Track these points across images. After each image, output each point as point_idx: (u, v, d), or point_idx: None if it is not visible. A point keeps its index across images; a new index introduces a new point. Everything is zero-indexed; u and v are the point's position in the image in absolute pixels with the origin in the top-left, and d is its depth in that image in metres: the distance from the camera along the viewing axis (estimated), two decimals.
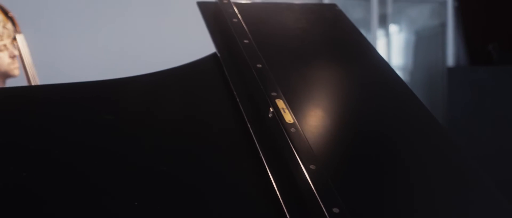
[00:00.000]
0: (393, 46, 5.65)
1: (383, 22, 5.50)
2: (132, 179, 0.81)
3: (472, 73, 5.52)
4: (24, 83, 2.25)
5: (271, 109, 0.88)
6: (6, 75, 2.16)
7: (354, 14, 5.50)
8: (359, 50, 1.21)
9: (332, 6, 1.36)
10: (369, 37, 5.35)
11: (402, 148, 0.94)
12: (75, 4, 4.43)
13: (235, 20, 1.13)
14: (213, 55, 1.11)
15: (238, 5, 1.21)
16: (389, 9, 5.46)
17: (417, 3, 5.60)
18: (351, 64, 1.15)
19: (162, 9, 4.72)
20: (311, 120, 0.92)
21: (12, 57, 2.15)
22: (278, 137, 0.84)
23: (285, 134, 0.83)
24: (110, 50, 4.47)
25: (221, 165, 0.86)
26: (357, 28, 1.34)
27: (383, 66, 1.19)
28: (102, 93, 1.02)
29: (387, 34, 5.49)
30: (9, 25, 2.16)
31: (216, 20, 1.21)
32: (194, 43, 4.79)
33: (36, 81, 2.23)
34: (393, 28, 5.57)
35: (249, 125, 0.88)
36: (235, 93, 0.96)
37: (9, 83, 2.22)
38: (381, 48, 5.35)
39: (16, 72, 2.18)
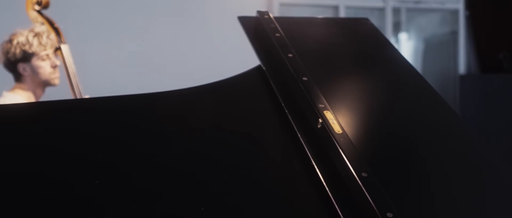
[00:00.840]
0: (405, 53, 5.65)
1: (396, 30, 5.53)
2: (193, 187, 0.85)
3: (483, 81, 5.53)
4: (64, 91, 2.30)
5: (320, 120, 0.92)
6: (46, 84, 2.21)
7: None
8: (393, 62, 1.24)
9: (365, 20, 1.40)
10: None
11: (444, 155, 0.97)
12: (114, 17, 4.52)
13: (277, 34, 1.17)
14: (257, 68, 1.14)
15: (278, 19, 1.25)
16: (403, 17, 5.49)
17: (429, 12, 5.62)
18: (388, 76, 1.18)
19: (198, 23, 4.82)
20: (356, 129, 0.95)
21: (54, 67, 2.20)
22: (328, 147, 0.87)
23: (336, 144, 0.86)
24: (146, 62, 4.57)
25: (274, 175, 0.89)
26: (388, 40, 1.38)
27: (415, 76, 1.23)
28: (152, 104, 1.06)
29: (398, 41, 5.52)
30: (53, 36, 2.21)
31: (257, 34, 1.24)
32: (228, 56, 4.89)
33: (79, 89, 2.27)
34: (405, 36, 5.59)
35: (299, 136, 0.92)
36: (283, 105, 1.00)
37: (50, 91, 2.26)
38: None
39: (57, 81, 2.22)
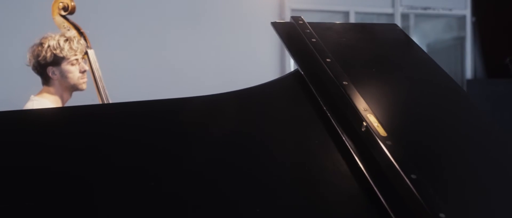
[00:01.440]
0: None
1: None
2: (247, 187, 0.85)
3: (489, 85, 5.52)
4: (91, 95, 2.30)
5: (364, 123, 0.92)
6: (74, 88, 2.21)
7: None
8: (425, 66, 1.25)
9: (394, 26, 1.40)
10: None
11: (483, 156, 0.97)
12: (143, 23, 4.55)
13: (313, 39, 1.17)
14: (294, 73, 1.15)
15: (312, 24, 1.25)
16: (411, 22, 5.49)
17: (437, 18, 5.62)
18: (422, 79, 1.18)
19: (215, 30, 4.87)
20: (399, 132, 0.95)
21: (83, 71, 2.20)
22: (374, 150, 0.88)
23: (383, 147, 0.87)
24: (174, 67, 4.61)
25: (322, 178, 0.90)
26: (418, 45, 1.38)
27: (447, 79, 1.23)
28: (188, 109, 1.07)
29: None
30: (82, 41, 2.21)
31: (291, 38, 1.24)
32: (245, 60, 4.92)
33: (106, 93, 2.28)
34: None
35: (344, 139, 0.92)
36: (325, 108, 1.00)
37: (76, 95, 2.26)
38: None
39: (84, 86, 2.22)
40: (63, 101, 2.20)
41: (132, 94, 2.95)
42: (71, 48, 2.13)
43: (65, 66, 2.14)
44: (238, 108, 1.06)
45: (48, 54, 2.10)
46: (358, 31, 1.37)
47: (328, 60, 1.10)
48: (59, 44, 2.11)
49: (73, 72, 2.16)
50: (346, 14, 5.27)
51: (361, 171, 0.86)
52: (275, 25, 1.32)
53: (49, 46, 2.11)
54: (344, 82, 1.03)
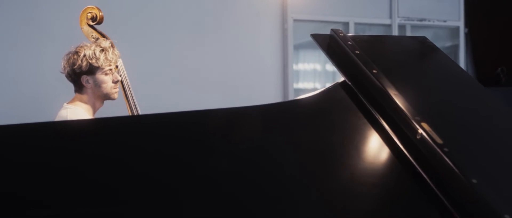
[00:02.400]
0: None
1: None
2: (304, 192, 0.88)
3: None
4: (119, 103, 2.31)
5: (420, 131, 0.95)
6: (107, 97, 2.19)
7: None
8: (460, 75, 1.29)
9: (424, 38, 1.44)
10: None
11: None
12: (153, 33, 4.59)
13: (357, 51, 1.20)
14: (341, 84, 1.17)
15: (352, 37, 1.28)
16: (408, 33, 5.55)
17: (432, 28, 5.69)
18: (459, 88, 1.22)
19: (233, 38, 4.93)
20: (452, 139, 0.98)
21: (116, 81, 2.19)
22: (432, 157, 0.91)
23: (441, 154, 0.89)
24: (181, 75, 4.65)
25: (384, 185, 0.93)
26: (446, 55, 1.42)
27: (479, 86, 1.26)
28: (244, 119, 1.09)
29: None
30: (117, 51, 2.21)
31: (333, 50, 1.27)
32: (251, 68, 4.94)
33: (134, 101, 2.28)
34: None
35: (402, 147, 0.95)
36: (377, 117, 1.03)
37: (106, 103, 2.26)
38: None
39: (116, 96, 2.21)
40: (94, 109, 2.20)
41: (150, 102, 2.97)
42: (106, 58, 2.12)
43: (99, 75, 2.14)
44: (294, 117, 1.09)
45: (84, 63, 2.09)
46: (393, 43, 1.41)
47: (374, 71, 1.13)
48: (94, 54, 2.10)
49: (107, 82, 2.16)
50: (346, 24, 5.31)
51: (422, 177, 0.89)
52: (315, 37, 1.35)
53: (84, 55, 2.10)
54: (393, 92, 1.06)
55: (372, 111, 1.05)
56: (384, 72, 1.14)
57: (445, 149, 0.91)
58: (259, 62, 5.08)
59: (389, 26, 5.44)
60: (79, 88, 2.18)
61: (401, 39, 1.43)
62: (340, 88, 1.17)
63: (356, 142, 1.02)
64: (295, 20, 5.11)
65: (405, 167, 0.93)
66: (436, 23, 5.58)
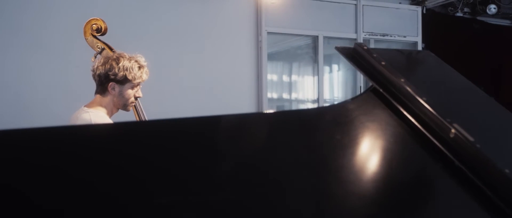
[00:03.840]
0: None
1: None
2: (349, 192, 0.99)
3: None
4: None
5: (453, 131, 1.08)
6: (123, 107, 2.23)
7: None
8: (466, 85, 1.43)
9: (428, 52, 1.58)
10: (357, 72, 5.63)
11: None
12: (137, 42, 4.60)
13: (383, 63, 1.32)
14: (373, 90, 1.29)
15: (373, 50, 1.41)
16: (371, 46, 5.77)
17: (393, 43, 5.94)
18: (469, 96, 1.36)
19: (210, 49, 5.01)
20: (480, 137, 1.11)
21: (136, 97, 2.23)
22: (467, 152, 1.03)
23: (476, 149, 1.02)
24: (160, 84, 4.68)
25: (423, 179, 1.05)
26: (449, 66, 1.56)
27: (484, 95, 1.41)
28: (284, 124, 1.19)
29: None
30: (148, 71, 2.23)
31: (358, 61, 1.39)
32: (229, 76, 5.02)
33: (142, 109, 2.32)
34: None
35: (439, 145, 1.07)
36: (412, 119, 1.15)
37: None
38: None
39: (130, 109, 2.26)
40: (111, 115, 2.23)
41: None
42: (140, 75, 2.17)
43: (126, 87, 2.18)
44: (333, 122, 1.19)
45: (120, 72, 2.13)
46: (406, 56, 1.54)
47: (402, 80, 1.25)
48: (132, 68, 2.14)
49: (130, 95, 2.20)
50: (315, 37, 5.49)
51: (460, 170, 1.01)
52: (339, 49, 1.46)
53: (123, 65, 2.13)
54: (423, 98, 1.18)
55: (405, 114, 1.16)
56: (410, 81, 1.26)
57: (477, 146, 1.04)
58: (234, 70, 5.18)
59: (355, 39, 5.65)
60: (102, 91, 2.20)
61: (411, 52, 1.56)
62: (371, 95, 1.28)
63: (396, 141, 1.13)
64: (269, 33, 5.24)
65: (443, 161, 1.05)
66: (397, 38, 5.83)
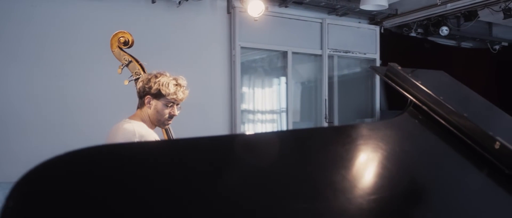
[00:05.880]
0: (336, 88, 6.07)
1: (330, 71, 5.99)
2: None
3: (394, 115, 6.12)
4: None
5: (498, 143, 1.20)
6: (158, 124, 2.22)
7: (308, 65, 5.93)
8: (478, 98, 1.57)
9: (442, 72, 1.71)
10: (322, 82, 5.80)
11: None
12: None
13: (419, 81, 1.44)
14: (414, 106, 1.39)
15: (404, 70, 1.52)
16: (335, 62, 6.00)
17: (354, 59, 6.17)
18: (481, 105, 1.50)
19: (186, 62, 5.05)
20: None
21: (171, 116, 2.21)
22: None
23: None
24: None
25: (478, 183, 1.17)
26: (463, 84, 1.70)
27: (487, 102, 1.55)
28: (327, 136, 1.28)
29: (333, 78, 5.98)
30: (186, 92, 2.22)
31: (391, 79, 1.50)
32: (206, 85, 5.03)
33: (171, 129, 2.33)
34: (336, 74, 6.05)
35: (486, 154, 1.19)
36: (459, 134, 1.26)
37: None
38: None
39: (167, 126, 2.25)
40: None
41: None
42: (175, 92, 2.15)
43: (161, 103, 2.16)
44: (382, 136, 1.29)
45: (155, 86, 2.13)
46: (429, 75, 1.66)
47: (441, 97, 1.37)
48: (167, 84, 2.14)
49: (164, 112, 2.18)
50: (285, 53, 5.63)
51: (509, 176, 1.14)
52: (373, 68, 1.60)
53: (160, 81, 2.14)
54: (464, 114, 1.31)
55: (454, 130, 1.28)
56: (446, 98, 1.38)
57: None
58: (209, 81, 5.22)
59: (320, 56, 5.84)
60: (141, 105, 2.21)
61: (429, 72, 1.68)
62: (412, 113, 1.38)
63: (445, 153, 1.25)
64: (242, 47, 5.33)
65: (491, 169, 1.17)
66: (358, 55, 6.07)
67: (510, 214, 1.10)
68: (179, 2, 4.78)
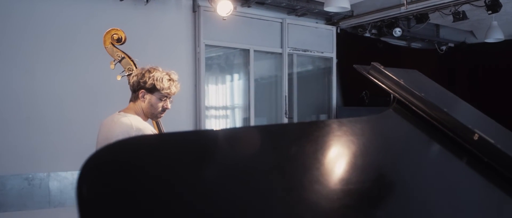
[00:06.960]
0: (295, 83, 6.20)
1: (290, 67, 6.11)
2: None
3: (353, 111, 6.31)
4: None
5: (476, 135, 1.32)
6: (151, 117, 2.23)
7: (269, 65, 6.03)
8: (451, 95, 1.70)
9: (416, 71, 1.83)
10: (282, 79, 5.91)
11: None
12: (74, 49, 4.52)
13: (401, 80, 1.55)
14: (398, 102, 1.49)
15: (386, 69, 1.63)
16: (295, 59, 6.12)
17: (312, 57, 6.32)
18: (456, 101, 1.63)
19: (151, 58, 5.04)
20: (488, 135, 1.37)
21: (164, 109, 2.23)
22: (492, 151, 1.27)
23: (499, 148, 1.27)
24: (108, 91, 4.68)
25: (461, 170, 1.28)
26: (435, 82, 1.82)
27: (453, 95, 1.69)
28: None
29: (293, 74, 6.09)
30: (179, 86, 2.25)
31: (374, 77, 1.60)
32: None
33: (161, 124, 2.34)
34: (296, 70, 6.18)
35: (467, 145, 1.31)
36: (441, 127, 1.38)
37: None
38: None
39: (159, 119, 2.27)
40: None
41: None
42: (169, 87, 2.17)
43: (154, 97, 2.18)
44: (373, 133, 1.38)
45: (150, 80, 2.14)
46: (407, 74, 1.77)
47: (422, 94, 1.48)
48: (161, 79, 2.16)
49: (157, 105, 2.20)
50: (247, 51, 5.70)
51: (489, 164, 1.26)
52: (357, 67, 1.66)
53: (153, 75, 2.15)
54: (444, 109, 1.42)
55: (436, 124, 1.39)
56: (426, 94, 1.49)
57: (499, 145, 1.29)
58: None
59: (281, 54, 5.95)
60: (134, 98, 2.22)
61: (405, 71, 1.79)
62: (399, 107, 1.49)
63: (429, 145, 1.36)
64: (206, 45, 5.35)
65: (471, 157, 1.29)
66: (316, 53, 6.23)
67: (488, 196, 1.22)
68: (147, 0, 4.75)
